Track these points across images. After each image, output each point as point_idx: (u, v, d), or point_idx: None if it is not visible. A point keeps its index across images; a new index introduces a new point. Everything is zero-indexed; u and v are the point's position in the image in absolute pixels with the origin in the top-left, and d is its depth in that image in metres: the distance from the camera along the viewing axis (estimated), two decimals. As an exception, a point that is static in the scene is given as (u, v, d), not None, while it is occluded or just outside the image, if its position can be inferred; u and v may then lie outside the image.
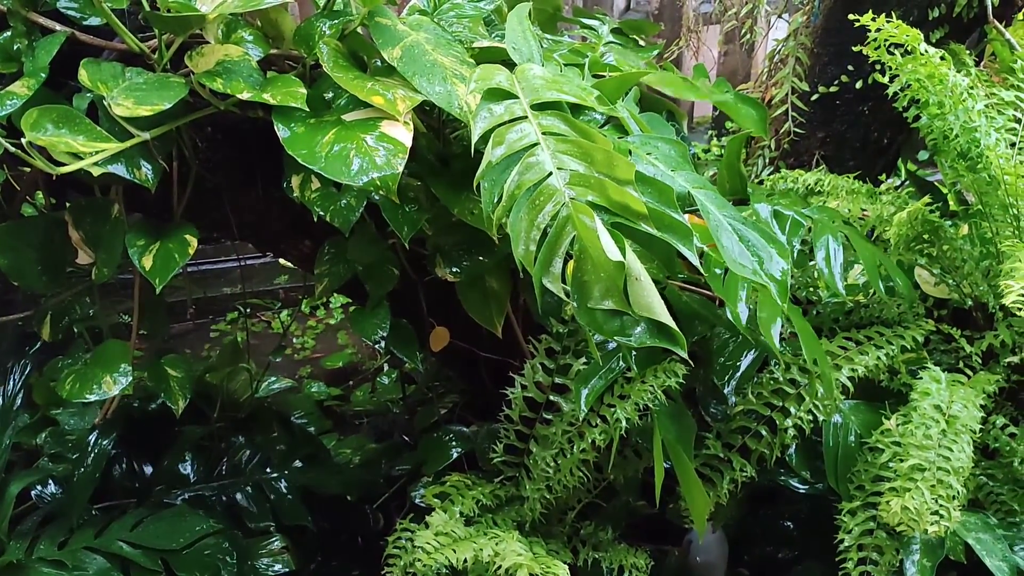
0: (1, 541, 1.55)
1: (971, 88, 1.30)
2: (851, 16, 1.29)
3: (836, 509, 1.25)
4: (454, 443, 1.82)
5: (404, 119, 1.13)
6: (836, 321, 1.44)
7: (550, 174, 0.95)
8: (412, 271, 1.54)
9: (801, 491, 1.46)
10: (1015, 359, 1.34)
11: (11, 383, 1.71)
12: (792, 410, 1.28)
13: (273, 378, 2.32)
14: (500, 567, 1.22)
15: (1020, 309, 1.10)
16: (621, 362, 1.28)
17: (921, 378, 1.24)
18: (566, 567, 1.26)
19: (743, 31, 2.27)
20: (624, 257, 0.90)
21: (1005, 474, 1.33)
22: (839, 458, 1.31)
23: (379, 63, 1.23)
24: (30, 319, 1.59)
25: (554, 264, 0.94)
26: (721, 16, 2.34)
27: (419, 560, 1.24)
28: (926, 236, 1.40)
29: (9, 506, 1.57)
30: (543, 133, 0.99)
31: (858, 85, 1.79)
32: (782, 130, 1.91)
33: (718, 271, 1.18)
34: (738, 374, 1.36)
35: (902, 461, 1.15)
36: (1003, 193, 1.32)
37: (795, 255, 1.31)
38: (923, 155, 2.21)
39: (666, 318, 0.95)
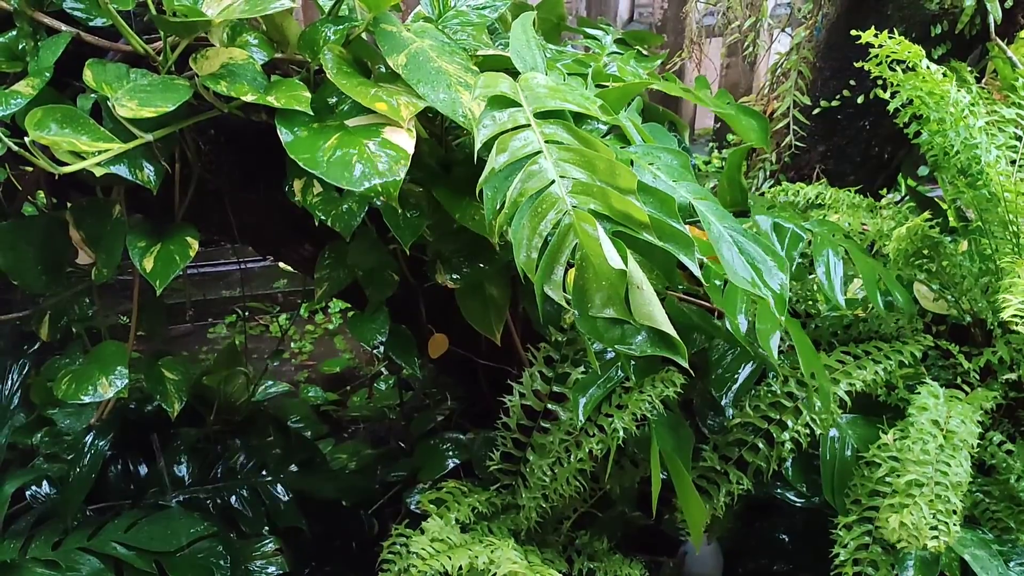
0: (-5, 540, 1.54)
1: (972, 105, 1.30)
2: (853, 32, 1.29)
3: (832, 523, 1.25)
4: (450, 450, 1.81)
5: (407, 126, 1.13)
6: (835, 335, 1.44)
7: (553, 182, 0.95)
8: (412, 277, 1.54)
9: (797, 504, 1.46)
10: (1013, 376, 1.34)
11: (8, 382, 1.71)
12: (789, 423, 1.28)
13: (270, 382, 2.32)
14: (495, 575, 1.21)
15: (1017, 323, 1.10)
16: (619, 371, 1.28)
17: (919, 393, 1.24)
18: (561, 576, 1.26)
19: (746, 44, 2.28)
20: (626, 265, 0.90)
21: (1001, 491, 1.33)
22: (836, 472, 1.31)
23: (383, 69, 1.23)
24: (29, 318, 1.59)
25: (555, 272, 0.94)
26: (724, 29, 2.34)
27: (414, 566, 1.23)
28: (925, 251, 1.40)
29: (4, 505, 1.57)
30: (546, 141, 0.99)
31: (859, 100, 1.80)
32: (783, 143, 1.91)
33: (718, 282, 1.18)
34: (736, 386, 1.36)
35: (899, 476, 1.15)
36: (1003, 210, 1.32)
37: (795, 268, 1.31)
38: (923, 171, 2.21)
39: (667, 327, 0.95)
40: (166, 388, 1.56)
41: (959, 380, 1.36)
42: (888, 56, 1.29)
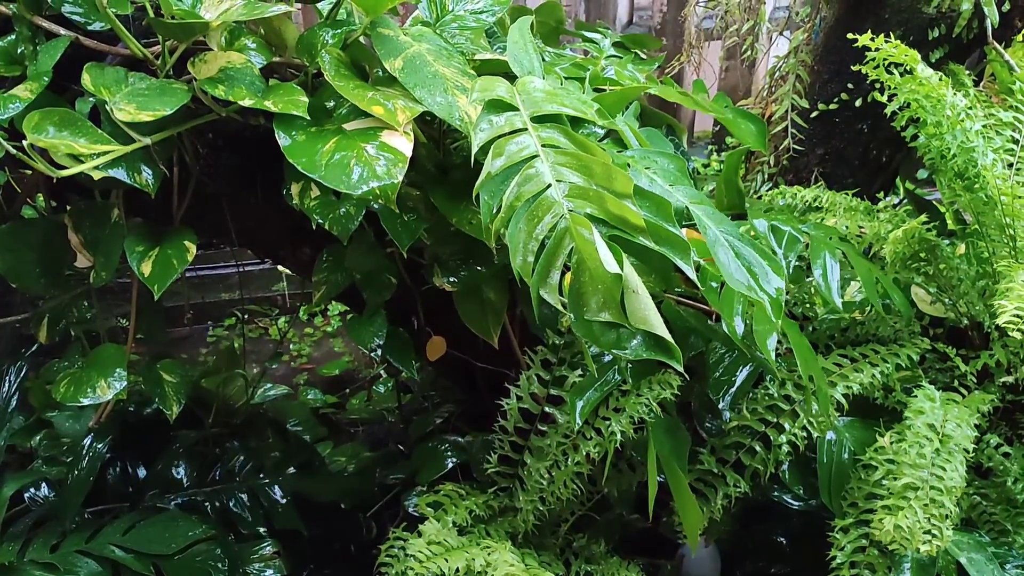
0: (-7, 543, 1.54)
1: (969, 108, 1.30)
2: (850, 35, 1.30)
3: (829, 526, 1.25)
4: (448, 452, 1.81)
5: (404, 129, 1.13)
6: (832, 338, 1.44)
7: (549, 186, 0.95)
8: (410, 280, 1.54)
9: (794, 507, 1.46)
10: (1010, 379, 1.34)
11: (7, 385, 1.71)
12: (787, 426, 1.28)
13: (269, 385, 2.32)
14: (492, 578, 1.22)
15: (1014, 329, 1.10)
16: (616, 374, 1.28)
17: (915, 396, 1.24)
18: (558, 579, 1.26)
19: (744, 47, 2.28)
20: (622, 269, 0.90)
21: (998, 493, 1.33)
22: (833, 475, 1.31)
23: (381, 73, 1.24)
24: (27, 321, 1.59)
25: (552, 275, 0.94)
26: (722, 32, 2.34)
27: (411, 569, 1.24)
28: (923, 255, 1.41)
29: (2, 508, 1.57)
30: (543, 145, 0.99)
31: (857, 103, 1.80)
32: (781, 146, 1.91)
33: (714, 285, 1.18)
34: (733, 389, 1.36)
35: (895, 479, 1.15)
36: (1000, 213, 1.32)
37: (792, 271, 1.32)
38: (922, 174, 2.22)
39: (662, 331, 0.95)
40: (164, 390, 1.56)
41: (956, 383, 1.36)
42: (885, 59, 1.29)
